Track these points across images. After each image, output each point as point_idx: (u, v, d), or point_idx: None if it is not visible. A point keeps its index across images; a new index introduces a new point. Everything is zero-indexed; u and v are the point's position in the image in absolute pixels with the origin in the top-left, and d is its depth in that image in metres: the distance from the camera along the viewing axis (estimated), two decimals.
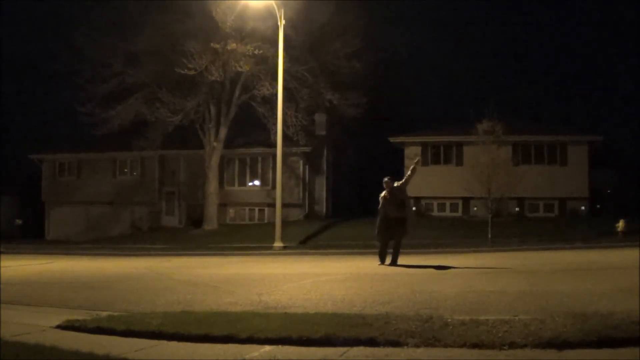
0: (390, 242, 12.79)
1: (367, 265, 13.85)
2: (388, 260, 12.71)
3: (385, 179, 12.94)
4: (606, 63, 55.28)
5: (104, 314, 7.14)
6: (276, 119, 21.51)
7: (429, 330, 5.39)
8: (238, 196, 30.28)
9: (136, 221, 31.60)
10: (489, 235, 19.42)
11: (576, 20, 57.53)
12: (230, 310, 7.31)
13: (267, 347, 5.38)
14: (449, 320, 5.79)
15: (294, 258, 17.19)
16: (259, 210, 30.14)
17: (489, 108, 21.53)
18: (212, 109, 27.22)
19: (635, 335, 4.95)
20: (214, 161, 27.54)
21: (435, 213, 28.16)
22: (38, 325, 6.67)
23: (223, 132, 27.32)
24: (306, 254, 18.63)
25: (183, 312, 7.04)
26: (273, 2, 20.74)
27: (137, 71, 26.58)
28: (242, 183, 30.64)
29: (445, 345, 5.05)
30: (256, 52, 23.97)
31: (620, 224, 19.06)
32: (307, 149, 29.04)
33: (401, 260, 12.90)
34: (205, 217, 27.47)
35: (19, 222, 34.16)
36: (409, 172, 13.39)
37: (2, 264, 14.18)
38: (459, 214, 27.55)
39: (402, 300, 7.73)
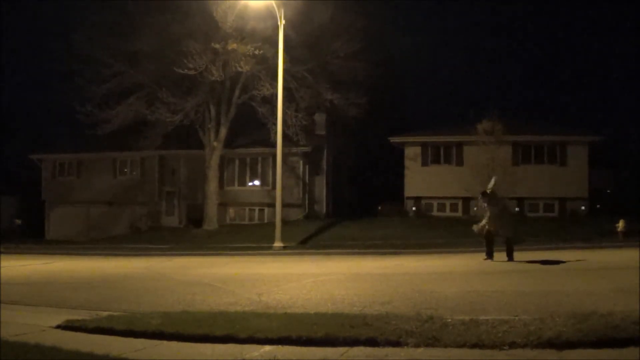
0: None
1: (367, 265, 13.87)
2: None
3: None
4: (606, 63, 55.25)
5: (104, 314, 7.14)
6: (276, 119, 21.50)
7: (429, 330, 5.40)
8: (238, 196, 30.27)
9: (136, 221, 31.57)
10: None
11: (576, 20, 57.53)
12: (230, 310, 7.31)
13: (267, 347, 5.38)
14: (449, 320, 5.79)
15: (294, 258, 17.19)
16: (259, 210, 30.13)
17: (489, 108, 21.56)
18: (212, 109, 27.21)
19: (635, 335, 4.95)
20: (214, 161, 27.53)
21: (435, 213, 28.14)
22: (38, 325, 6.67)
23: (223, 132, 27.31)
24: (306, 254, 18.62)
25: (183, 312, 7.05)
26: (273, 2, 20.73)
27: (137, 71, 26.56)
28: (242, 183, 30.61)
29: (445, 345, 5.06)
30: (256, 52, 23.95)
31: (620, 224, 19.03)
32: (307, 149, 29.03)
33: (400, 260, 12.92)
34: (205, 217, 27.46)
35: (19, 222, 34.16)
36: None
37: (2, 264, 14.18)
38: (459, 214, 27.51)
39: (402, 300, 7.73)
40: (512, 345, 4.95)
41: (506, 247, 13.04)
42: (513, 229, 13.31)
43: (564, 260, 12.61)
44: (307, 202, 30.11)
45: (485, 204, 13.42)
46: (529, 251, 16.53)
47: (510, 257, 12.81)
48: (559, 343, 4.90)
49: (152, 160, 31.51)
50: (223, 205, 29.09)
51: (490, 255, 13.11)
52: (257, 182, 30.50)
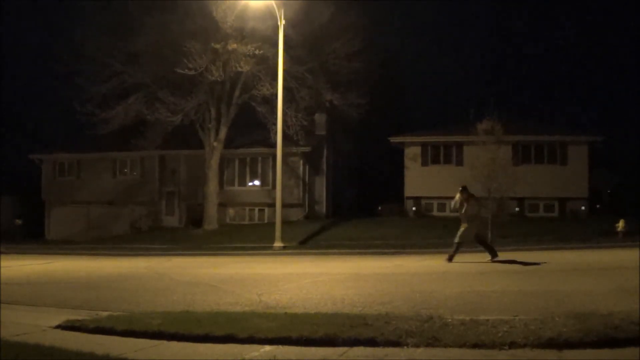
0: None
1: (367, 265, 13.87)
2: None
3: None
4: (606, 63, 55.28)
5: (104, 314, 7.14)
6: (276, 119, 21.50)
7: (429, 330, 5.39)
8: (238, 196, 30.27)
9: (136, 221, 31.57)
10: (489, 235, 19.38)
11: (576, 20, 57.52)
12: (231, 310, 7.32)
13: (267, 347, 5.38)
14: (449, 320, 5.79)
15: (294, 258, 17.19)
16: (259, 210, 30.13)
17: (489, 108, 21.49)
18: (212, 109, 27.20)
19: (635, 335, 4.95)
20: (214, 161, 27.52)
21: (435, 213, 28.14)
22: (38, 325, 6.67)
23: (223, 132, 27.30)
24: (306, 254, 18.62)
25: (183, 312, 7.05)
26: (273, 2, 20.73)
27: (137, 71, 26.55)
28: (242, 183, 30.61)
29: (445, 345, 5.05)
30: (256, 52, 23.95)
31: (620, 224, 19.03)
32: (307, 149, 29.03)
33: (400, 260, 12.91)
34: (205, 217, 27.45)
35: (19, 222, 34.15)
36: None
37: (2, 264, 14.18)
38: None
39: (402, 300, 7.73)
40: (512, 345, 4.95)
41: (455, 248, 13.12)
42: (471, 235, 13.28)
43: (564, 260, 12.61)
44: (307, 202, 30.11)
45: (465, 202, 13.32)
46: (530, 251, 16.57)
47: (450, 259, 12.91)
48: (559, 343, 4.90)
49: (152, 160, 31.50)
50: (223, 205, 29.09)
51: (494, 255, 13.08)
52: (257, 182, 30.50)
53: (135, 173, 32.52)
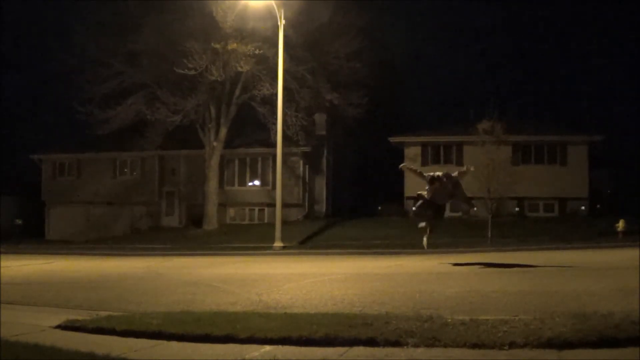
0: None
1: (367, 265, 13.88)
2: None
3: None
4: (606, 63, 55.28)
5: (104, 314, 7.13)
6: (276, 119, 21.52)
7: (429, 330, 5.39)
8: (238, 196, 30.28)
9: (136, 221, 31.59)
10: (489, 235, 19.41)
11: (576, 20, 57.50)
12: (230, 310, 7.31)
13: (267, 347, 5.38)
14: (449, 320, 5.78)
15: (294, 258, 17.19)
16: (259, 210, 30.14)
17: (489, 108, 21.51)
18: (212, 109, 27.22)
19: (635, 335, 4.94)
20: (214, 161, 27.54)
21: None
22: (38, 325, 6.66)
23: (223, 132, 27.32)
24: (306, 254, 18.62)
25: (183, 312, 7.04)
26: (273, 2, 20.75)
27: (137, 71, 26.58)
28: (242, 183, 30.63)
29: (445, 345, 5.05)
30: (256, 52, 23.98)
31: (620, 224, 19.04)
32: (307, 149, 29.04)
33: (400, 260, 12.91)
34: (205, 217, 27.47)
35: (19, 222, 34.15)
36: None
37: (2, 264, 14.17)
38: (459, 214, 27.50)
39: (402, 300, 7.73)
40: (512, 345, 4.94)
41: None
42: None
43: (563, 260, 12.61)
44: (307, 202, 30.11)
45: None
46: (530, 251, 16.58)
47: None
48: (559, 343, 4.89)
49: (152, 160, 31.51)
50: (223, 205, 29.10)
51: None
52: (257, 182, 30.51)
53: (135, 173, 32.53)
